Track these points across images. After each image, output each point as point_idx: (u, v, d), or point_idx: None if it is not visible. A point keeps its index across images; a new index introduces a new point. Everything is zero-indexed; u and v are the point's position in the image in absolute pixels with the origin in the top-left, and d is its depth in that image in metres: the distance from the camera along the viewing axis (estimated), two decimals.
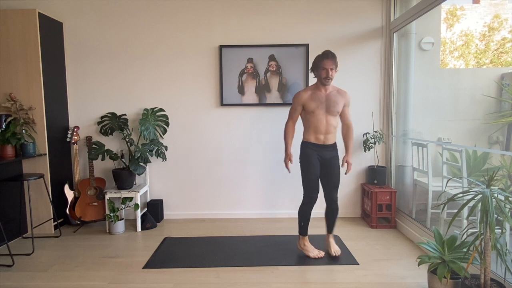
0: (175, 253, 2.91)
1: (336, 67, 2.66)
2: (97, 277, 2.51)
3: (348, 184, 3.84)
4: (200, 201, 3.88)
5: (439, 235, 2.24)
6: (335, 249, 2.84)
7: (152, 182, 3.85)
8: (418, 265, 2.13)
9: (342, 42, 3.70)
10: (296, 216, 3.95)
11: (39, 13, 3.24)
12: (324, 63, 2.61)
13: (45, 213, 3.40)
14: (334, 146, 2.79)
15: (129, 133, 3.66)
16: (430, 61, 3.97)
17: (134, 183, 3.69)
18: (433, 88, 4.02)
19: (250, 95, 3.72)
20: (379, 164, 3.78)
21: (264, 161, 3.82)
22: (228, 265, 2.66)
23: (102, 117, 3.71)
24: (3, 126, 3.08)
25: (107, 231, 3.44)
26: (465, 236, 2.21)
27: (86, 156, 3.73)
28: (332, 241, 2.89)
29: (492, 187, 1.92)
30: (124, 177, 3.50)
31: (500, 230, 1.96)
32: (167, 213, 3.88)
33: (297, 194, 3.84)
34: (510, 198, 1.88)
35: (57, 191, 3.52)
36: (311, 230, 3.43)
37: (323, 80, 2.64)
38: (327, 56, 2.62)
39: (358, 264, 2.67)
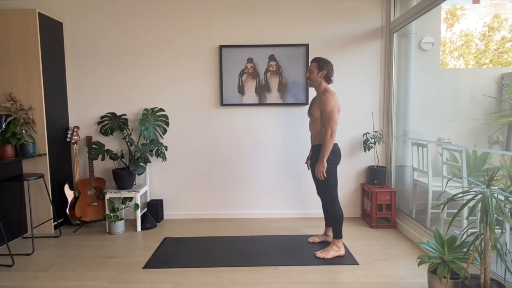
0: (175, 253, 2.91)
1: (311, 69, 2.80)
2: (97, 277, 2.51)
3: (348, 184, 3.84)
4: (200, 201, 3.87)
5: (439, 235, 2.24)
6: (326, 239, 3.09)
7: (152, 182, 3.85)
8: (418, 265, 2.13)
9: (342, 42, 3.70)
10: (296, 216, 3.97)
11: (39, 13, 3.24)
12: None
13: (45, 213, 3.40)
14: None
15: (129, 133, 3.66)
16: (430, 61, 3.97)
17: (134, 183, 3.69)
18: (433, 88, 4.01)
19: (250, 95, 3.72)
20: (379, 164, 3.78)
21: (264, 161, 3.82)
22: (228, 265, 2.66)
23: (102, 117, 3.71)
24: (3, 126, 3.08)
25: (107, 231, 3.44)
26: (465, 236, 2.21)
27: (86, 156, 3.73)
28: (329, 234, 3.09)
29: (492, 187, 1.92)
30: (124, 177, 3.49)
31: (500, 230, 1.96)
32: (167, 213, 3.88)
33: (297, 194, 3.84)
34: (510, 198, 1.88)
35: (57, 191, 3.52)
36: (309, 230, 3.44)
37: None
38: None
39: (358, 264, 2.67)
